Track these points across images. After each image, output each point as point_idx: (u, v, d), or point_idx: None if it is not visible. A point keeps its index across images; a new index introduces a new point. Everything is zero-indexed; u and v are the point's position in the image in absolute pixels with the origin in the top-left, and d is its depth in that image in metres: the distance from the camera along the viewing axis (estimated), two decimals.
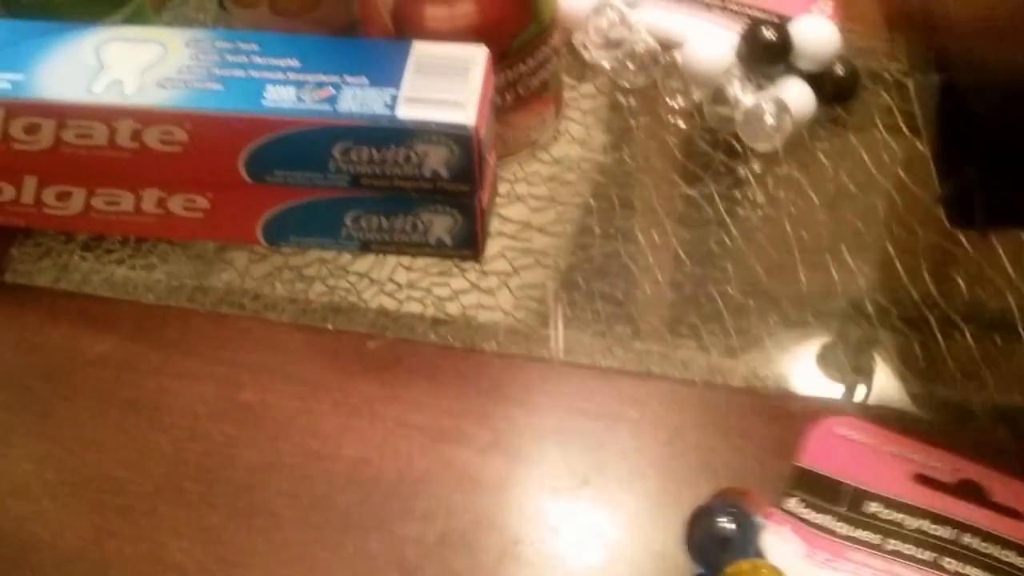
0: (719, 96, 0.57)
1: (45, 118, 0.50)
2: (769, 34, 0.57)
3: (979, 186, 0.55)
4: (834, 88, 0.58)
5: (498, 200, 0.56)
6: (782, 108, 0.56)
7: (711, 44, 0.58)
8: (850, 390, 0.49)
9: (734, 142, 0.58)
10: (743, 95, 0.57)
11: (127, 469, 0.48)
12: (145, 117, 0.50)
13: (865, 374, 0.50)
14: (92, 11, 0.57)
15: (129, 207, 0.53)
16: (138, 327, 0.54)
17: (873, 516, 0.44)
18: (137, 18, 0.59)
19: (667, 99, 0.60)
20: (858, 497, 0.45)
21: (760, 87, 0.57)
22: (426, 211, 0.52)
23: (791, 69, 0.58)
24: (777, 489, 0.45)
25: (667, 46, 0.60)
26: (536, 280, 0.54)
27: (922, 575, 0.43)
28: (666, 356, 0.51)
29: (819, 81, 0.58)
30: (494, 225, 0.55)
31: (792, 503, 0.45)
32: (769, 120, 0.56)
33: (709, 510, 0.44)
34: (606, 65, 0.61)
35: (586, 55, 0.61)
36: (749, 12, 0.61)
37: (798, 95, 0.57)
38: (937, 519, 0.44)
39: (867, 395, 0.49)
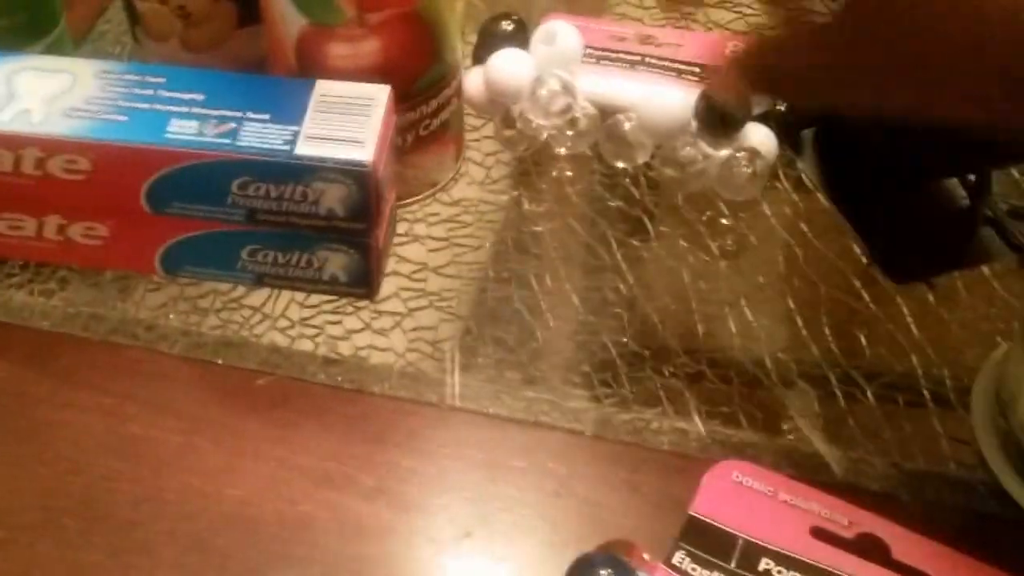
0: (668, 157, 0.57)
1: None
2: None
3: (902, 240, 0.55)
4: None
5: (395, 239, 0.56)
6: (754, 155, 0.56)
7: (668, 105, 0.57)
8: (746, 445, 0.49)
9: (632, 188, 0.58)
10: (710, 149, 0.56)
11: (6, 501, 0.48)
12: (50, 146, 0.50)
13: (763, 430, 0.49)
14: (13, 41, 0.58)
15: (31, 232, 0.53)
16: (31, 354, 0.53)
17: (765, 574, 0.43)
18: (56, 48, 0.60)
19: (610, 163, 0.59)
20: (750, 552, 0.44)
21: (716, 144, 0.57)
22: (322, 248, 0.52)
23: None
24: (666, 544, 0.44)
25: (608, 111, 0.58)
26: (430, 322, 0.53)
27: None
28: (556, 405, 0.50)
29: None
30: (390, 265, 0.55)
31: (679, 557, 0.43)
32: (745, 170, 0.56)
33: (589, 561, 0.43)
34: (544, 134, 0.59)
35: (522, 125, 0.59)
36: (671, 66, 0.61)
37: (762, 139, 0.57)
38: None
39: (764, 452, 0.48)
